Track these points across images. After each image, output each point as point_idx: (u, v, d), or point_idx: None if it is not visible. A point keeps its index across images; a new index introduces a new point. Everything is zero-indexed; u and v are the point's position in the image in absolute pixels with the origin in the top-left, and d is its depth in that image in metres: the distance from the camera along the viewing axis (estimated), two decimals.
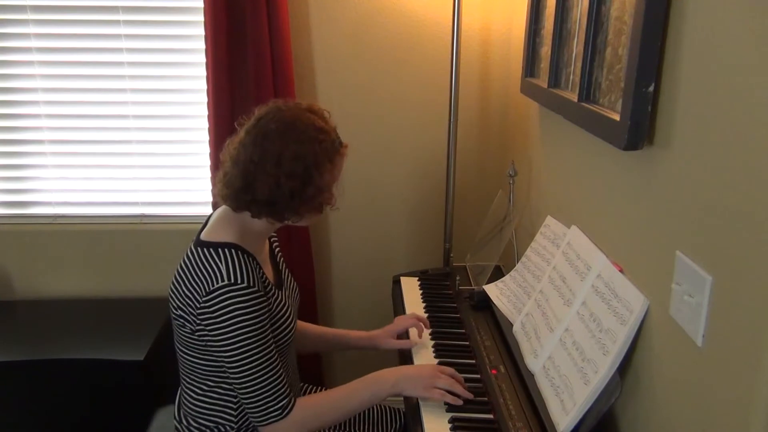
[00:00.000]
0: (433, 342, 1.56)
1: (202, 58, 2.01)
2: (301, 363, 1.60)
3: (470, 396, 1.32)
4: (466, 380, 1.39)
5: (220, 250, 1.26)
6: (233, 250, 1.26)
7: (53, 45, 2.12)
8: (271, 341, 1.28)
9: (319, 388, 1.67)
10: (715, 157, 0.87)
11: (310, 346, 1.67)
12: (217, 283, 1.22)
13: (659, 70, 1.02)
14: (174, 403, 1.50)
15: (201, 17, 1.97)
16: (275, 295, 1.35)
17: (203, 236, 1.32)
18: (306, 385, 1.66)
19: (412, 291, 1.85)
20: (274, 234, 1.54)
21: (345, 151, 1.33)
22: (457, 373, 1.36)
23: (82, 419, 1.98)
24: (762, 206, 0.77)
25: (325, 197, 1.31)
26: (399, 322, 1.60)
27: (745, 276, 0.81)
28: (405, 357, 1.54)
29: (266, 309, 1.27)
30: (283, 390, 1.27)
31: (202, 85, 2.04)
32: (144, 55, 2.13)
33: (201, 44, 2.00)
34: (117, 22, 2.09)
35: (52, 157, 2.22)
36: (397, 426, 1.61)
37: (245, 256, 1.27)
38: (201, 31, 1.98)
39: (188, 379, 1.38)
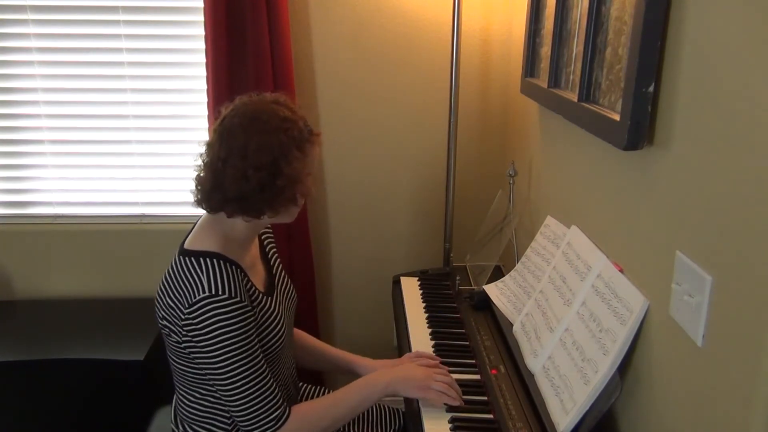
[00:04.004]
0: (433, 342, 1.56)
1: (202, 58, 2.00)
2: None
3: (462, 402, 1.31)
4: (466, 381, 1.39)
5: (201, 259, 1.24)
6: (215, 260, 1.23)
7: (53, 45, 2.12)
8: (259, 352, 1.25)
9: (319, 388, 1.67)
10: (715, 157, 0.87)
11: (310, 363, 1.63)
12: (198, 294, 1.20)
13: (659, 70, 1.02)
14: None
15: (201, 17, 1.97)
16: (262, 303, 1.32)
17: (186, 245, 1.29)
18: (306, 385, 1.66)
19: (412, 291, 1.85)
20: (270, 234, 1.53)
21: (316, 139, 1.29)
22: (448, 373, 1.37)
23: (82, 419, 1.98)
24: (762, 206, 0.77)
25: (298, 188, 1.26)
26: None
27: (745, 276, 0.81)
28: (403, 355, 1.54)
29: (251, 319, 1.24)
30: (275, 400, 1.25)
31: (202, 85, 2.04)
32: (144, 55, 2.13)
33: (201, 44, 2.00)
34: (117, 22, 2.09)
35: (52, 157, 2.22)
36: (397, 426, 1.61)
37: (227, 265, 1.24)
38: (201, 31, 1.98)
39: (181, 386, 1.37)
